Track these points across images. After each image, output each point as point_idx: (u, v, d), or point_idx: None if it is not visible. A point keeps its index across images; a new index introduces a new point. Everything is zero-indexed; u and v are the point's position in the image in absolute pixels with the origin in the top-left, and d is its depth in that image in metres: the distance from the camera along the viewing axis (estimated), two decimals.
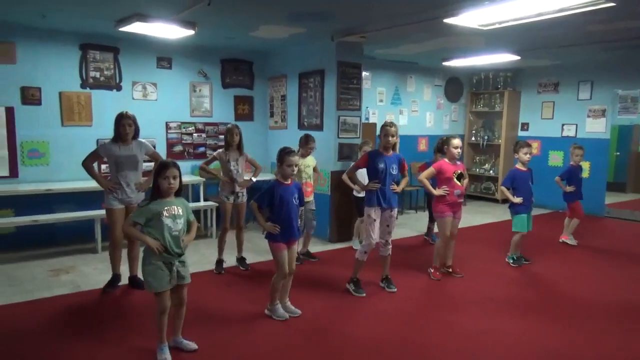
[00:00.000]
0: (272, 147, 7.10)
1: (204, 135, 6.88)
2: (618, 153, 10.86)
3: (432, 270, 4.82)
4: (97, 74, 6.01)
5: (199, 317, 3.64)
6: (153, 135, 6.43)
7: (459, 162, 4.72)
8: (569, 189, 5.96)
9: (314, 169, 5.32)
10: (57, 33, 5.66)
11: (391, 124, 4.26)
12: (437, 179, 4.69)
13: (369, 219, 4.23)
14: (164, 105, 6.52)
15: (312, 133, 6.31)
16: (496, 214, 8.10)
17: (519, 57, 7.10)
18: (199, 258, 5.31)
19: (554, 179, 6.08)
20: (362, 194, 5.67)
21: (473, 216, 7.88)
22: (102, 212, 5.51)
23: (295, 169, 3.65)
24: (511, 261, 5.23)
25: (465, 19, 4.54)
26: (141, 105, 6.30)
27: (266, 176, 6.30)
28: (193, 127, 6.81)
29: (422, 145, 9.04)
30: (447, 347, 3.33)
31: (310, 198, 5.20)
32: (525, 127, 9.19)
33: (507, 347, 3.34)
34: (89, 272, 4.82)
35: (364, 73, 6.41)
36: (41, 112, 5.69)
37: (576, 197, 6.03)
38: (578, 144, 6.15)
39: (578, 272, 5.09)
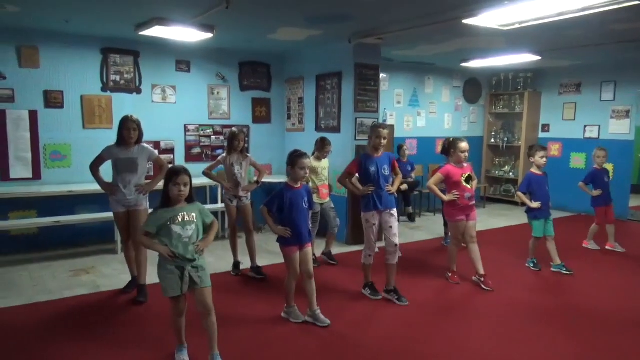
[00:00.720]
0: (289, 149, 7.01)
1: (221, 137, 6.93)
2: None
3: (450, 275, 4.76)
4: (118, 78, 6.10)
5: (217, 320, 3.65)
6: (172, 137, 6.51)
7: (465, 165, 4.61)
8: (596, 192, 5.77)
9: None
10: (79, 38, 5.77)
11: (384, 126, 4.18)
12: (446, 184, 4.60)
13: (368, 224, 4.13)
14: (183, 108, 6.59)
15: (329, 135, 6.30)
16: (516, 217, 7.97)
17: (539, 58, 6.98)
18: (214, 260, 5.34)
19: (578, 185, 5.89)
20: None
21: (493, 219, 7.77)
22: None
23: (308, 171, 3.65)
24: (531, 265, 5.14)
25: (485, 20, 4.48)
26: (160, 108, 6.38)
27: (282, 178, 6.28)
28: (211, 130, 6.86)
29: (441, 147, 8.94)
30: (465, 354, 3.28)
31: (327, 200, 5.20)
32: (546, 128, 9.03)
33: (524, 356, 3.27)
34: (109, 273, 4.89)
35: (381, 75, 6.38)
36: (63, 115, 5.80)
37: (603, 201, 5.80)
38: (601, 146, 6.01)
39: (601, 278, 4.97)
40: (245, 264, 4.99)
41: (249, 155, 4.92)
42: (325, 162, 5.24)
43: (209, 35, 5.23)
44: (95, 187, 5.56)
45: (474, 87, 9.37)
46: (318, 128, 6.67)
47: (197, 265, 2.97)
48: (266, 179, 5.10)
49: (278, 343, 3.39)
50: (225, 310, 3.90)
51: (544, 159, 4.94)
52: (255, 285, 4.65)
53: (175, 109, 6.54)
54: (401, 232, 6.87)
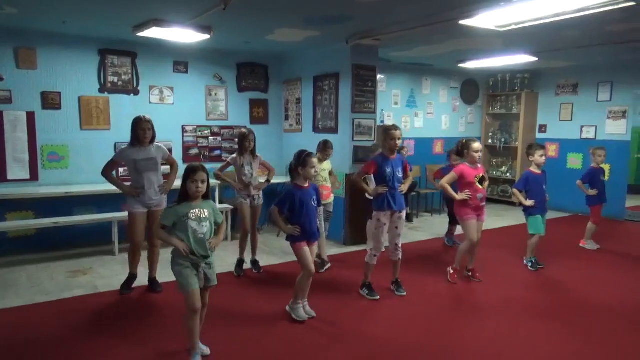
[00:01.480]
0: (287, 150, 7.13)
1: (219, 138, 6.94)
2: (639, 156, 10.65)
3: (452, 272, 4.77)
4: (115, 79, 6.10)
5: (218, 319, 3.66)
6: (170, 138, 6.51)
7: (479, 166, 4.66)
8: (592, 192, 5.83)
9: (330, 173, 5.33)
10: (76, 39, 5.76)
11: (395, 127, 4.27)
12: (459, 184, 4.62)
13: (379, 223, 4.21)
14: (181, 109, 6.59)
15: (327, 136, 6.32)
16: (513, 217, 7.99)
17: (536, 59, 7.01)
18: (216, 260, 5.31)
19: (576, 183, 5.96)
20: None
21: (491, 219, 7.75)
22: (120, 214, 5.63)
23: (318, 170, 3.69)
24: (529, 264, 5.15)
25: (482, 21, 4.49)
26: (158, 109, 6.38)
27: (280, 179, 6.30)
28: (209, 131, 6.86)
29: (438, 148, 8.98)
30: (465, 351, 3.29)
31: (329, 200, 5.23)
32: (543, 129, 9.06)
33: (524, 352, 3.28)
34: (107, 274, 4.88)
35: (379, 76, 6.39)
36: (61, 117, 5.79)
37: (599, 200, 5.88)
38: (600, 145, 6.06)
39: (597, 276, 4.99)
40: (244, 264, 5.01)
41: (258, 155, 4.96)
42: (326, 164, 5.25)
43: (207, 36, 5.24)
44: (92, 189, 5.61)
45: (471, 88, 9.40)
46: (316, 129, 6.68)
47: (210, 262, 3.07)
48: (262, 179, 5.11)
49: (280, 341, 3.39)
50: (228, 310, 3.92)
51: (543, 158, 4.97)
52: (256, 284, 4.65)
53: (173, 110, 6.54)
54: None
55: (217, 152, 6.95)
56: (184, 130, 6.66)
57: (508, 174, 9.35)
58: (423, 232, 7.04)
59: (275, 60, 7.25)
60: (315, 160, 3.68)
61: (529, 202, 4.96)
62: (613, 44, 6.06)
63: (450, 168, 5.18)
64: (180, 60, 6.52)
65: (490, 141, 9.54)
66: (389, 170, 4.17)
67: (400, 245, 4.32)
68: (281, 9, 4.52)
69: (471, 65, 7.66)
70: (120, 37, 5.82)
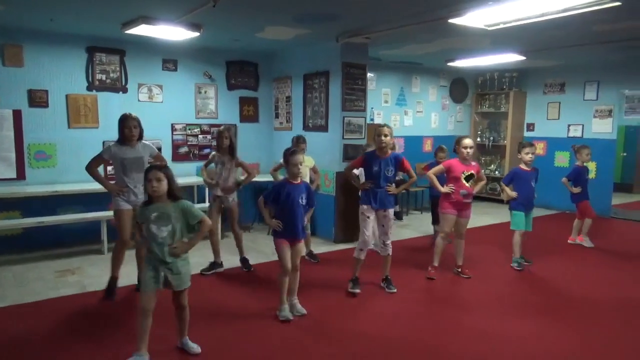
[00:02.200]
0: (277, 148, 7.12)
1: (209, 136, 6.91)
2: (625, 154, 10.81)
3: (430, 269, 4.80)
4: (104, 77, 6.05)
5: (204, 318, 3.66)
6: (159, 136, 6.47)
7: (473, 163, 4.69)
8: (576, 190, 5.93)
9: (314, 170, 5.29)
10: (64, 36, 5.70)
11: (383, 125, 4.27)
12: (446, 177, 4.71)
13: (362, 216, 4.26)
14: (170, 107, 6.55)
15: (317, 134, 6.35)
16: (501, 215, 8.05)
17: (524, 58, 7.07)
18: (203, 260, 5.27)
19: (561, 180, 6.05)
20: None
21: (479, 217, 7.83)
22: (108, 213, 5.58)
23: (301, 167, 3.66)
24: (516, 265, 5.09)
25: (471, 19, 4.53)
26: (147, 108, 6.33)
27: (269, 177, 6.28)
28: (198, 129, 6.83)
29: (427, 146, 9.03)
30: (452, 347, 3.33)
31: None
32: (531, 127, 9.15)
33: (513, 350, 3.32)
34: (95, 273, 4.84)
35: (368, 74, 6.41)
36: (48, 115, 5.73)
37: (583, 197, 5.99)
38: (584, 144, 6.15)
39: (584, 272, 5.07)
40: (232, 262, 4.99)
41: (237, 156, 4.83)
42: (307, 160, 5.06)
43: (196, 34, 5.21)
44: (80, 187, 5.55)
45: (460, 87, 9.46)
46: (306, 127, 6.68)
47: (171, 267, 2.93)
48: (254, 178, 5.06)
49: (267, 340, 3.40)
50: (215, 308, 3.92)
51: (529, 155, 4.99)
52: (243, 283, 4.64)
53: (162, 108, 6.50)
54: None
55: (207, 151, 6.92)
56: (173, 129, 6.63)
57: (496, 172, 9.43)
58: (412, 229, 7.08)
59: (265, 58, 7.24)
60: (298, 157, 3.64)
61: (512, 193, 5.01)
62: (599, 43, 6.14)
63: (436, 164, 5.20)
64: (169, 58, 6.48)
65: (479, 139, 9.61)
66: (375, 168, 4.18)
67: (388, 243, 4.33)
68: (271, 6, 4.51)
69: (460, 64, 7.71)
70: (109, 35, 5.77)
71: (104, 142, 5.98)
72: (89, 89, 5.97)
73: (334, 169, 6.12)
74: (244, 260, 5.03)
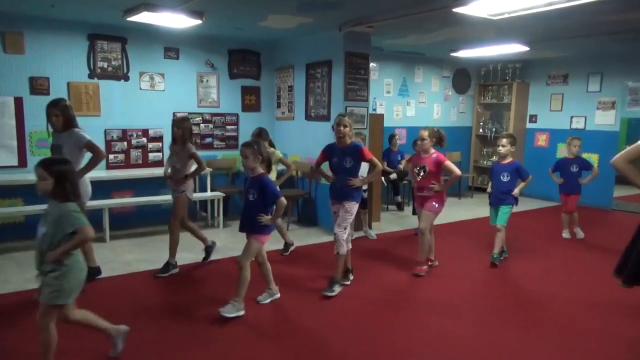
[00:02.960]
0: (279, 138, 7.10)
1: (211, 125, 6.89)
2: (627, 146, 10.75)
3: (422, 266, 4.65)
4: (105, 65, 6.02)
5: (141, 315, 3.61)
6: (160, 125, 6.46)
7: (434, 155, 4.44)
8: (558, 180, 6.01)
9: (282, 162, 5.05)
10: (65, 23, 5.67)
11: (344, 114, 4.13)
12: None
13: (331, 211, 4.23)
14: (172, 95, 6.53)
15: (319, 124, 6.33)
16: None
17: (528, 48, 7.03)
18: (194, 256, 5.05)
19: (548, 171, 6.18)
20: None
21: (480, 208, 7.82)
22: (110, 201, 5.59)
23: (247, 161, 3.45)
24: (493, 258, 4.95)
25: (475, 9, 4.49)
26: (149, 96, 6.32)
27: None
28: (200, 118, 6.81)
29: None
30: (415, 348, 3.22)
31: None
32: (533, 119, 9.12)
33: (465, 351, 3.20)
34: (98, 261, 4.84)
35: (371, 64, 6.37)
36: None
37: (563, 189, 6.01)
38: (575, 135, 6.25)
39: (558, 270, 4.87)
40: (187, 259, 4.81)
41: (190, 145, 4.50)
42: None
43: (198, 21, 5.18)
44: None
45: (463, 78, 9.41)
46: (308, 117, 6.66)
47: (43, 276, 2.64)
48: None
49: (211, 338, 3.25)
50: (153, 303, 3.81)
51: (500, 148, 4.88)
52: (197, 281, 4.43)
53: (164, 97, 6.47)
54: (390, 220, 6.98)
55: (209, 140, 6.91)
56: (175, 118, 6.60)
57: None
58: (414, 220, 7.06)
59: (267, 47, 7.20)
60: (244, 150, 3.46)
61: (488, 190, 5.10)
62: (604, 34, 6.10)
63: (389, 152, 5.18)
64: (171, 46, 6.44)
65: (481, 130, 9.59)
66: (334, 159, 4.06)
67: (340, 234, 4.01)
68: None
69: (463, 54, 7.66)
70: (110, 22, 5.73)
71: (105, 131, 5.98)
72: (90, 76, 5.94)
73: None
74: (207, 249, 4.90)
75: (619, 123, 8.02)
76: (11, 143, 5.52)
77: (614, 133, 8.00)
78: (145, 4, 4.76)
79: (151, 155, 6.48)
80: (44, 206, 5.53)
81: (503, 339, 3.33)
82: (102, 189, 5.64)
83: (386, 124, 7.16)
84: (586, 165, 6.01)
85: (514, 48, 7.03)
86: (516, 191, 4.85)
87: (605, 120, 8.07)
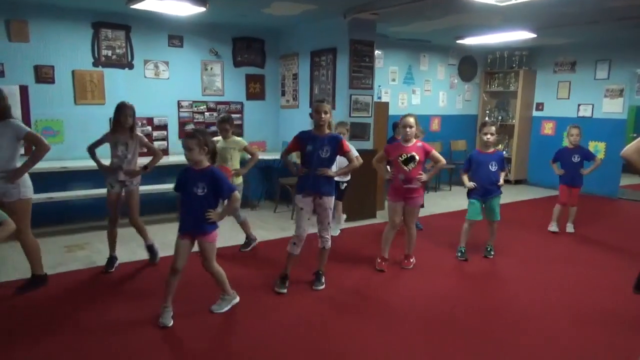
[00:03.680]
0: (283, 126, 7.10)
1: (215, 114, 6.89)
2: (635, 134, 10.66)
3: (379, 260, 4.39)
4: (109, 53, 6.01)
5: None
6: (165, 114, 6.47)
7: (419, 144, 4.16)
8: (559, 172, 5.69)
9: (247, 150, 4.65)
10: (69, 11, 5.66)
11: (323, 99, 3.77)
12: (390, 162, 4.29)
13: (297, 207, 3.79)
14: (176, 84, 6.52)
15: None
16: (509, 195, 8.04)
17: (535, 35, 6.94)
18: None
19: (549, 162, 5.89)
20: (338, 177, 5.14)
21: None
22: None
23: (192, 153, 3.12)
24: (458, 254, 4.70)
25: None
26: (153, 84, 6.32)
27: (276, 155, 6.27)
28: (205, 106, 6.81)
29: (435, 126, 8.97)
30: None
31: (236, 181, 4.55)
32: (540, 107, 9.05)
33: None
34: (104, 249, 4.87)
35: (376, 51, 6.33)
36: (55, 91, 5.73)
37: (562, 180, 5.66)
38: (575, 123, 5.90)
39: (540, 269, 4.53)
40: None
41: (139, 134, 4.23)
42: (231, 142, 4.61)
43: (202, 9, 5.15)
44: (88, 164, 5.51)
45: (469, 65, 9.33)
46: (312, 105, 6.62)
47: None
48: (261, 156, 4.87)
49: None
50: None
51: (487, 136, 4.52)
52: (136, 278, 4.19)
53: (168, 85, 6.47)
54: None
55: (214, 128, 6.89)
56: (179, 106, 6.61)
57: (504, 152, 9.35)
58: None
59: (271, 35, 7.16)
60: (188, 142, 3.11)
61: (469, 184, 4.57)
62: (612, 20, 6.01)
63: (393, 141, 4.82)
64: (175, 34, 6.42)
65: (487, 118, 9.52)
66: (309, 147, 3.67)
67: (325, 236, 3.82)
68: None
69: (470, 41, 7.59)
70: (114, 10, 5.71)
71: (110, 119, 5.96)
72: (95, 65, 5.94)
73: None
74: (150, 247, 4.47)
75: (627, 111, 7.94)
76: None
77: (621, 121, 7.92)
78: None
79: (156, 144, 6.48)
80: (51, 194, 5.61)
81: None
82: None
83: (391, 112, 7.12)
84: (588, 155, 5.67)
85: (521, 35, 6.95)
86: (502, 181, 4.62)
87: (613, 108, 7.99)
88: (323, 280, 3.95)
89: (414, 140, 4.19)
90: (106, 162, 4.25)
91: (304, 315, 3.46)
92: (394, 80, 8.30)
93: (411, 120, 4.16)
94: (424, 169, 4.34)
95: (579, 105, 8.42)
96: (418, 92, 8.67)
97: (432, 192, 8.28)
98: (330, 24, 6.14)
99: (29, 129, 3.66)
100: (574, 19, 6.02)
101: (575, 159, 5.59)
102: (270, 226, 5.81)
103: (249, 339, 3.10)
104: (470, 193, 4.65)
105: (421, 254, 4.69)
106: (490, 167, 4.54)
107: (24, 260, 4.49)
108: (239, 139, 4.76)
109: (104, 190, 5.67)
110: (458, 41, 7.67)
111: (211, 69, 6.80)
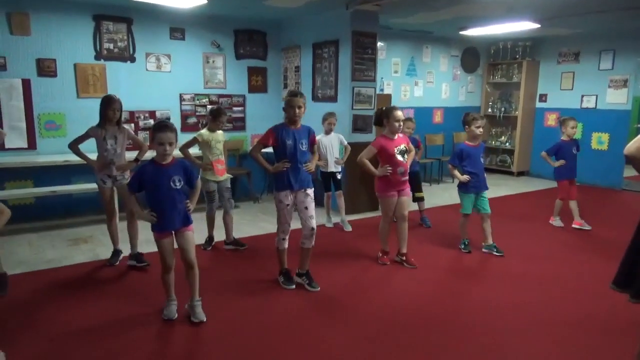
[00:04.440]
0: None
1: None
2: (639, 125, 10.62)
3: (380, 255, 4.41)
4: (111, 46, 5.99)
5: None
6: (167, 107, 6.45)
7: (401, 136, 4.21)
8: (557, 163, 5.47)
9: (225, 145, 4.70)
10: (70, 3, 5.63)
11: (297, 93, 3.65)
12: (379, 157, 4.20)
13: (282, 205, 3.67)
14: (178, 76, 6.50)
15: (326, 105, 6.27)
16: (512, 187, 8.03)
17: (538, 26, 6.89)
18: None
19: (540, 154, 5.68)
20: (331, 169, 5.31)
21: (497, 188, 7.78)
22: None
23: (166, 147, 3.03)
24: (462, 247, 4.72)
25: None
26: (155, 77, 6.30)
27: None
28: (207, 99, 6.79)
29: (438, 118, 8.94)
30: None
31: (223, 177, 4.63)
32: (543, 98, 9.00)
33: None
34: (108, 242, 4.88)
35: (379, 43, 6.29)
36: (57, 84, 5.72)
37: (563, 175, 5.51)
38: (571, 116, 5.75)
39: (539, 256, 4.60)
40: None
41: (126, 127, 4.23)
42: (220, 135, 4.61)
43: (204, 1, 5.13)
44: (91, 157, 5.56)
45: (472, 57, 9.28)
46: (315, 97, 6.61)
47: None
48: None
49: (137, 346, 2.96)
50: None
51: (480, 129, 4.49)
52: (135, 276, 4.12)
53: (171, 78, 6.45)
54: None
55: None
56: (181, 99, 6.59)
57: (507, 144, 9.34)
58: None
59: (273, 27, 7.12)
60: (162, 135, 3.01)
61: (464, 178, 4.52)
62: (617, 10, 5.96)
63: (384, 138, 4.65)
64: (177, 26, 6.40)
65: (490, 110, 9.49)
66: (289, 142, 3.59)
67: (314, 228, 3.71)
68: None
69: (473, 32, 7.53)
70: (115, 2, 5.69)
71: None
72: (96, 58, 5.92)
73: (344, 141, 6.07)
74: (137, 256, 4.29)
75: (631, 102, 7.89)
76: (20, 125, 5.55)
77: (625, 112, 7.88)
78: None
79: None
80: (54, 188, 5.63)
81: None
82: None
83: (394, 104, 7.10)
84: (578, 146, 5.63)
85: (524, 25, 6.90)
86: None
87: (617, 98, 7.94)
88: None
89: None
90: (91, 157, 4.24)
91: (294, 313, 3.41)
92: (396, 72, 8.27)
93: (401, 114, 4.16)
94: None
95: (582, 96, 8.37)
96: (421, 84, 8.64)
97: (434, 185, 8.28)
98: (332, 15, 6.10)
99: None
100: (579, 8, 5.96)
101: (574, 151, 5.54)
102: (273, 219, 5.78)
103: (249, 339, 3.11)
104: (465, 187, 4.59)
105: (418, 249, 4.69)
106: (481, 159, 4.62)
107: (31, 255, 4.54)
108: (221, 132, 4.67)
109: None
110: (461, 32, 7.62)
111: (213, 61, 6.77)
